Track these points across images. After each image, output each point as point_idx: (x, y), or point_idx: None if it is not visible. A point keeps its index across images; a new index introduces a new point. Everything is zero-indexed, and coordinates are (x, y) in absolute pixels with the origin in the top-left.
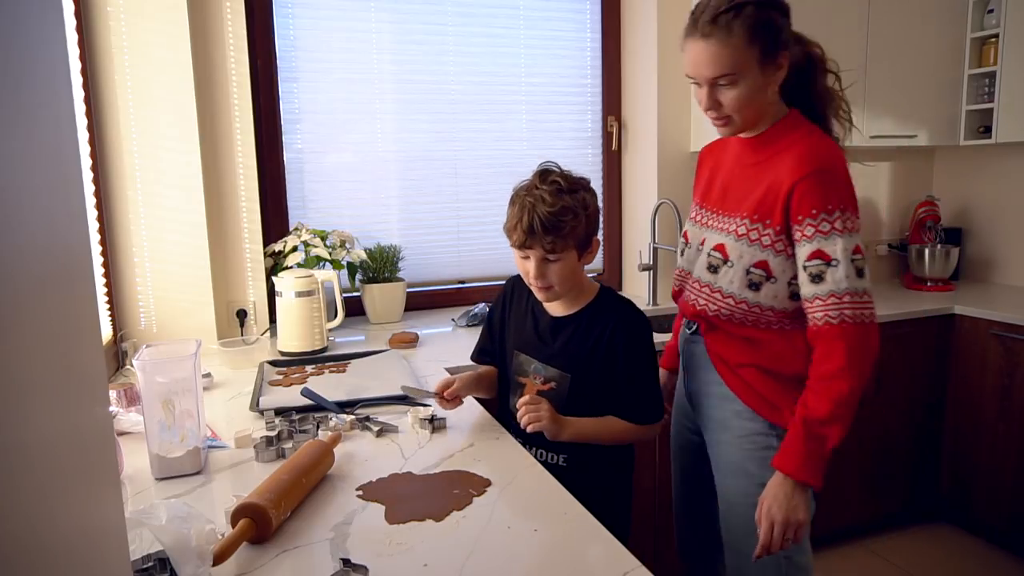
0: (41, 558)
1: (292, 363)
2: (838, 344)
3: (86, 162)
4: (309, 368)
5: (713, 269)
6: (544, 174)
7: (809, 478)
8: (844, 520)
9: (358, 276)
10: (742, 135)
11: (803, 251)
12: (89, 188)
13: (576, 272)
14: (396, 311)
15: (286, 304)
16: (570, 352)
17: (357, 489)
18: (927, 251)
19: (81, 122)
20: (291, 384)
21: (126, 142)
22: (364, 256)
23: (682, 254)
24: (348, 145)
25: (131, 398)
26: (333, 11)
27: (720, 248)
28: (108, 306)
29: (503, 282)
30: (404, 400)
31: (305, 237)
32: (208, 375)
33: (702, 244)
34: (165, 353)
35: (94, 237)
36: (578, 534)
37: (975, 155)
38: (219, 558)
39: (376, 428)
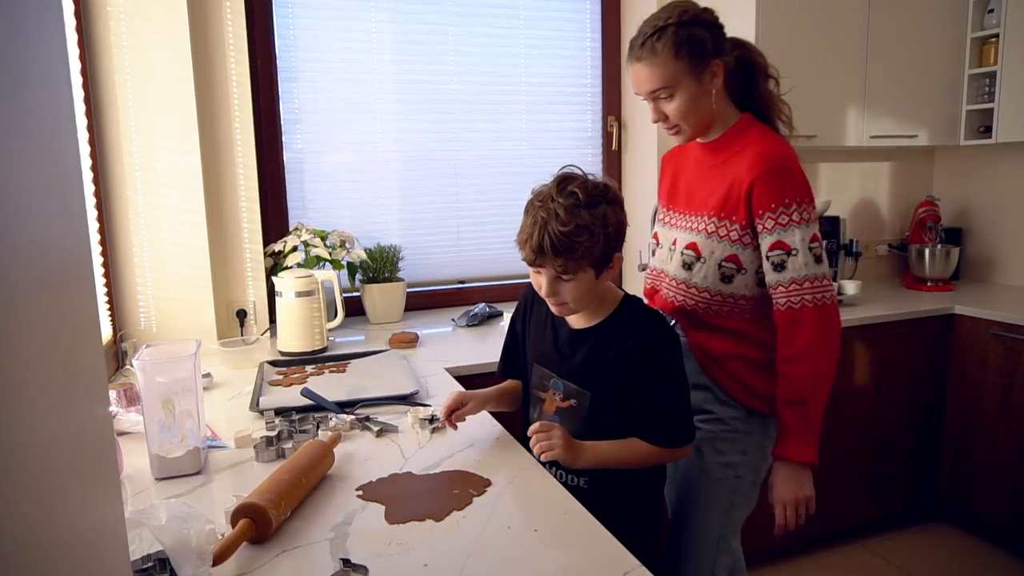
0: (40, 558)
1: (292, 363)
2: (800, 327)
3: (86, 162)
4: (309, 368)
5: (687, 266)
6: (563, 183)
7: (804, 457)
8: (844, 520)
9: (358, 276)
10: (700, 140)
11: (765, 242)
12: (89, 188)
13: (593, 288)
14: (396, 311)
15: (286, 304)
16: (589, 367)
17: (357, 489)
18: (927, 251)
19: (81, 122)
20: (291, 384)
21: (126, 142)
22: (364, 256)
23: (653, 254)
24: (348, 145)
25: (131, 398)
26: (333, 11)
27: (692, 246)
28: (108, 306)
29: (503, 282)
30: (404, 400)
31: (305, 237)
32: (208, 375)
33: (674, 244)
34: (165, 353)
35: (94, 237)
36: (578, 534)
37: (975, 155)
38: (219, 558)
39: (376, 428)
